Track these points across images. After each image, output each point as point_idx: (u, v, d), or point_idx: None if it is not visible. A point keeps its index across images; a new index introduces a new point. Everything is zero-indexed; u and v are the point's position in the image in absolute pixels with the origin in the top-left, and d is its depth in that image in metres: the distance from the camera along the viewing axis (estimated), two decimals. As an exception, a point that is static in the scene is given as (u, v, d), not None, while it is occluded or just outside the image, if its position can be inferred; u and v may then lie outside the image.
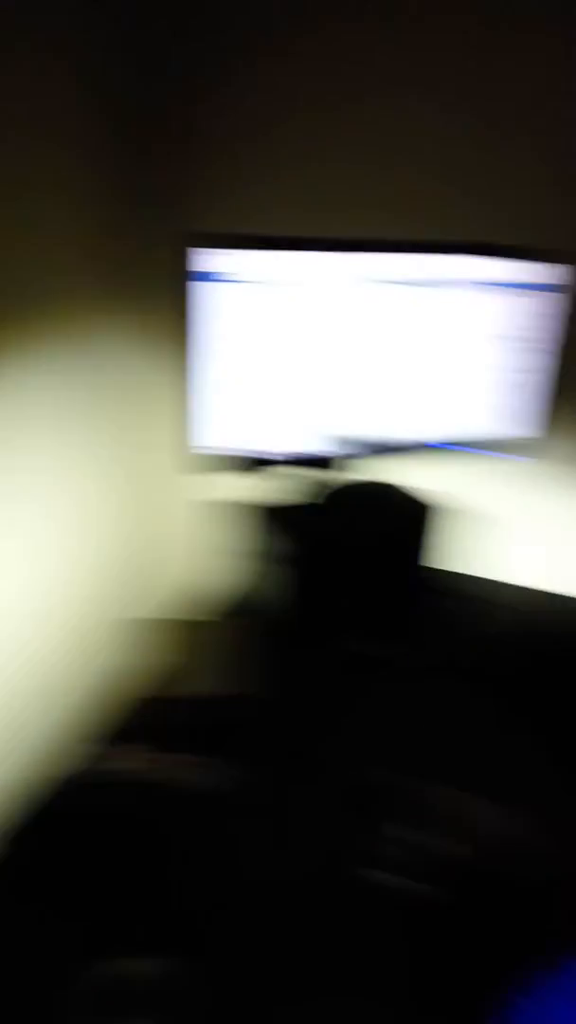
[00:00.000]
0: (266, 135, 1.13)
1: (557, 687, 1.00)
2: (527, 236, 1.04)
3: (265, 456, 1.04)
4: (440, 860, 0.67)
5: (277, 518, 1.05)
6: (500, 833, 0.69)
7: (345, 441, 1.06)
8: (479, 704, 0.95)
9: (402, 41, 1.09)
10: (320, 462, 1.06)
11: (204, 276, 0.91)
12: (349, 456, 1.07)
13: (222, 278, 0.92)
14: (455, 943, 0.66)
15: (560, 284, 1.03)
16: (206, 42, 1.10)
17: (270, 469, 1.05)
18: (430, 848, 0.68)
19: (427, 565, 1.07)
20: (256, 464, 1.05)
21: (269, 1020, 0.63)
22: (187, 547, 1.27)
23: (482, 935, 0.65)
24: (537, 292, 1.04)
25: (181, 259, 0.89)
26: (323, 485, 1.06)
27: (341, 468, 1.07)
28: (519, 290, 1.03)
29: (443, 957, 0.66)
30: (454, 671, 1.02)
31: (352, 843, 0.72)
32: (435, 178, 1.12)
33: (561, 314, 1.05)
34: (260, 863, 0.72)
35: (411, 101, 1.10)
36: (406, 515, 1.09)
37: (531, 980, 0.63)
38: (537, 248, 1.02)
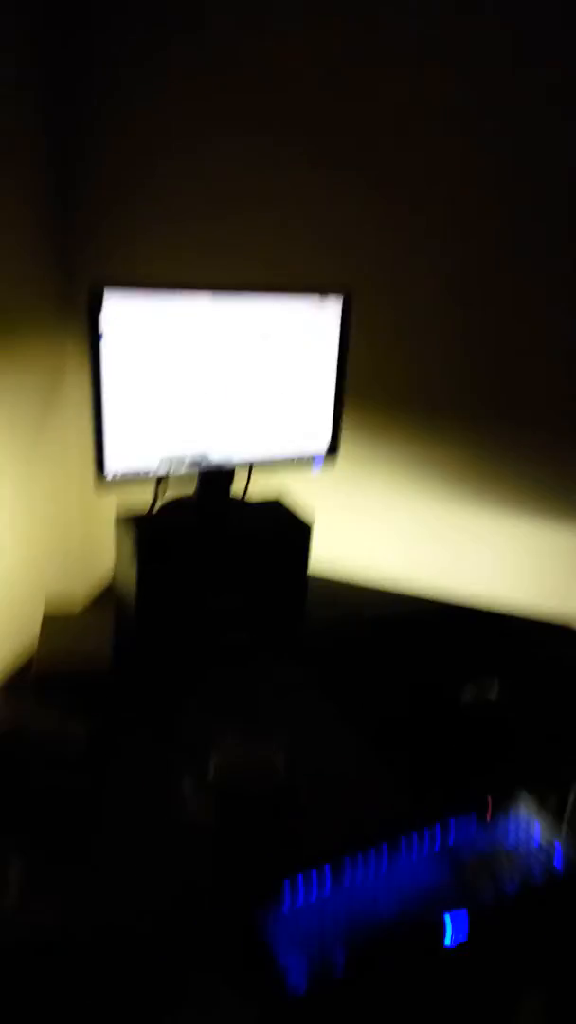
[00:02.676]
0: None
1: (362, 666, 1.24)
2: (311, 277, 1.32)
3: (158, 472, 1.23)
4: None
5: (166, 527, 1.25)
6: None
7: (204, 459, 1.26)
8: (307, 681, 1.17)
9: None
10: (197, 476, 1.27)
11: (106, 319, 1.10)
12: (211, 472, 1.27)
13: (119, 320, 1.11)
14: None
15: (336, 319, 1.29)
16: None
17: (163, 483, 1.26)
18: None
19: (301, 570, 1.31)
20: (154, 479, 1.24)
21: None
22: (96, 550, 1.48)
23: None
24: (324, 327, 1.29)
25: (89, 303, 1.08)
26: (212, 499, 1.28)
27: (210, 483, 1.28)
28: (310, 325, 1.28)
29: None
30: (297, 655, 1.24)
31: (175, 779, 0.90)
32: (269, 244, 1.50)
33: (339, 344, 1.31)
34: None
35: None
36: (288, 528, 1.32)
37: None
38: (322, 287, 1.28)
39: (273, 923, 0.87)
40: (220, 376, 1.23)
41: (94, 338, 1.10)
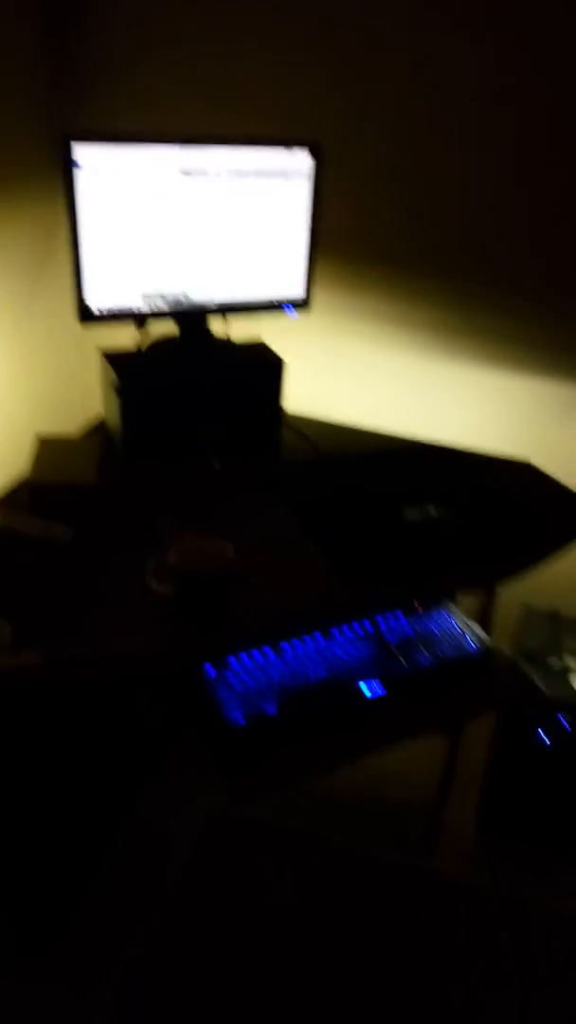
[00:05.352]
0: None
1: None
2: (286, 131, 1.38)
3: (139, 310, 1.33)
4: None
5: (148, 361, 1.38)
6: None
7: (184, 298, 1.36)
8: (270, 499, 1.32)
9: None
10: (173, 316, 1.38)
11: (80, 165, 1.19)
12: (190, 311, 1.38)
13: (94, 167, 1.20)
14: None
15: (308, 171, 1.36)
16: None
17: (146, 322, 1.37)
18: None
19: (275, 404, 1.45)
20: (136, 318, 1.35)
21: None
22: (91, 393, 1.61)
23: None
24: (296, 176, 1.36)
25: (64, 151, 1.17)
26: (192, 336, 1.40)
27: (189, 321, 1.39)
28: (282, 176, 1.35)
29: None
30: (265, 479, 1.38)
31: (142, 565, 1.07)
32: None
33: (312, 193, 1.38)
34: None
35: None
36: (265, 364, 1.44)
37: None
38: (295, 139, 1.34)
39: (218, 676, 1.07)
40: (196, 221, 1.31)
41: (69, 184, 1.19)
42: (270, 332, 1.56)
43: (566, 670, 1.52)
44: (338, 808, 1.66)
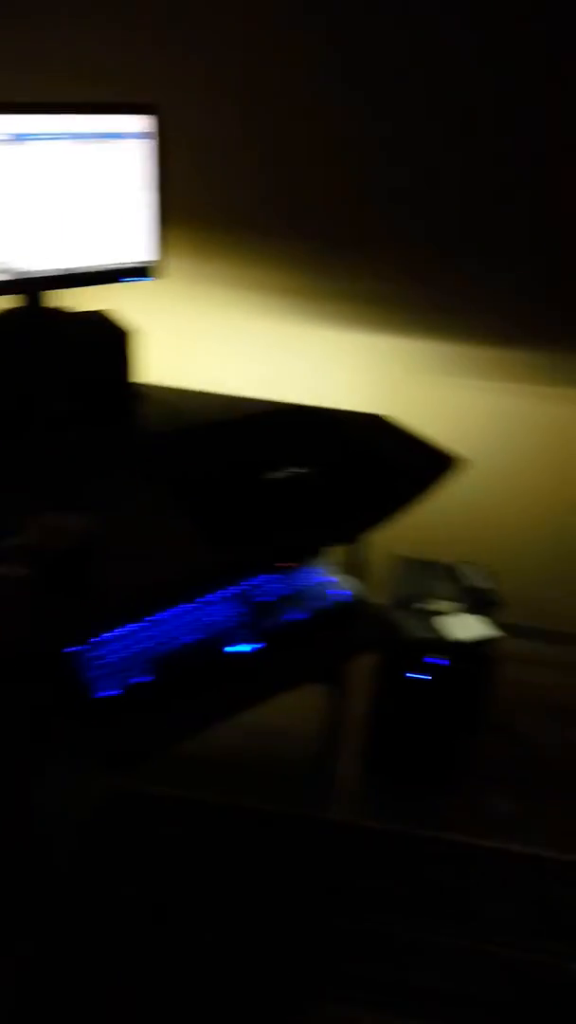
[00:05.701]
0: None
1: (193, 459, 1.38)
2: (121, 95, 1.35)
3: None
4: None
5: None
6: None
7: (19, 270, 1.31)
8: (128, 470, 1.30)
9: None
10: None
11: None
12: (27, 281, 1.32)
13: None
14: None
15: (149, 132, 1.34)
16: None
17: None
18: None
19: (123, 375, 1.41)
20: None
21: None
22: None
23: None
24: (136, 139, 1.33)
25: None
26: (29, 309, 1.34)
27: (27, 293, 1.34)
28: (122, 141, 1.32)
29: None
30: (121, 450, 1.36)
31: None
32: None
33: (154, 157, 1.36)
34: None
35: None
36: (108, 335, 1.40)
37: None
38: (130, 103, 1.31)
39: (86, 653, 1.06)
40: (32, 189, 1.26)
41: None
42: (126, 302, 1.53)
43: (433, 613, 1.61)
44: (226, 768, 1.70)
